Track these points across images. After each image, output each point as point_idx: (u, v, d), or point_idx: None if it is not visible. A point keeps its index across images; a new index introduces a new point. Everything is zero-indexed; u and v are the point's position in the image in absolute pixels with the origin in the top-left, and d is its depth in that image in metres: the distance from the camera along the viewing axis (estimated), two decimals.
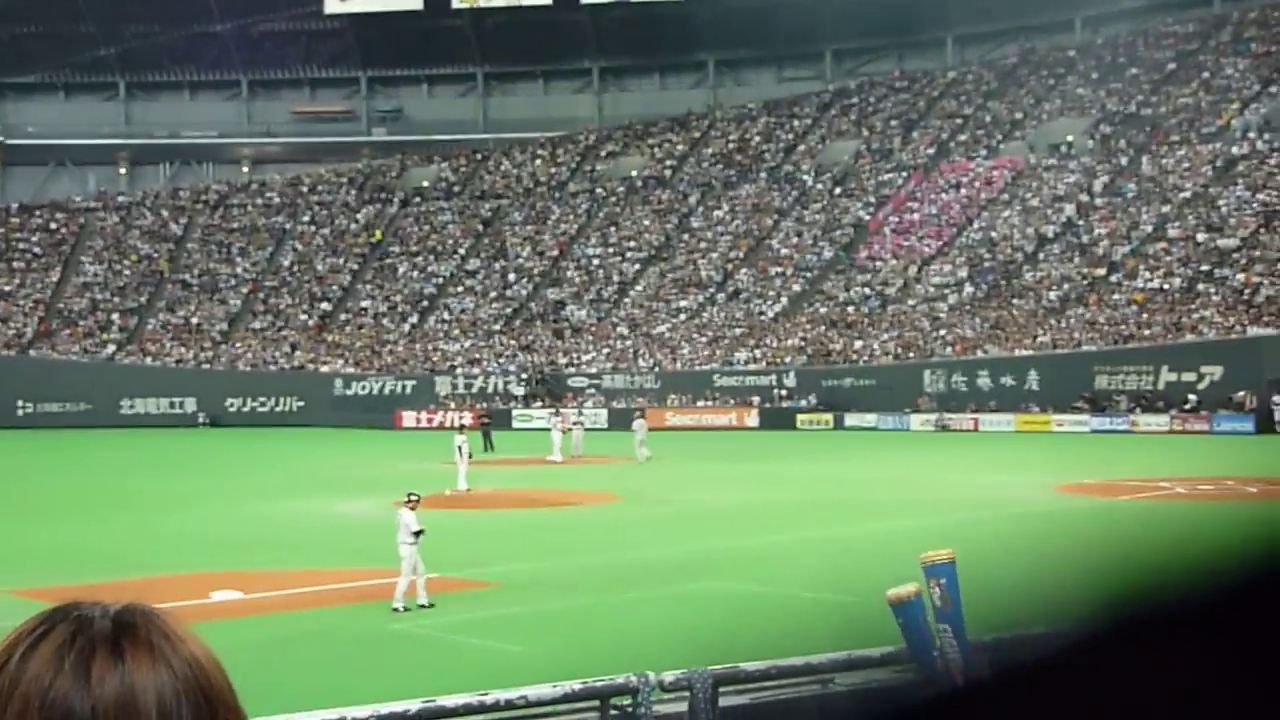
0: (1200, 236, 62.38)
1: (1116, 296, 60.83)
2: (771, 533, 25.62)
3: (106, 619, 1.33)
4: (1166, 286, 60.22)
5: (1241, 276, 58.91)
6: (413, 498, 18.63)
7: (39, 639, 1.30)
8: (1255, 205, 63.09)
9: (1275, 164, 65.47)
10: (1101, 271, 63.01)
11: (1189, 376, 53.77)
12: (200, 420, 68.62)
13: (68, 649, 1.28)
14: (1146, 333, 57.22)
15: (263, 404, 69.43)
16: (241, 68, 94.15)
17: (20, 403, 70.25)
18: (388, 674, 14.09)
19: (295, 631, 16.94)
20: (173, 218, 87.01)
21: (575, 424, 48.56)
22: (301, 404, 68.67)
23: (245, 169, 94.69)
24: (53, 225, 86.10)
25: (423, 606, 17.98)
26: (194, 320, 78.85)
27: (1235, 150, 67.17)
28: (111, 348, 77.01)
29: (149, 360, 75.25)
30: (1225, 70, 73.35)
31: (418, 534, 17.99)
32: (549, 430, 47.42)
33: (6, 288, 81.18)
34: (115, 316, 79.35)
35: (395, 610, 17.82)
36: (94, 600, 1.37)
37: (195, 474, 40.94)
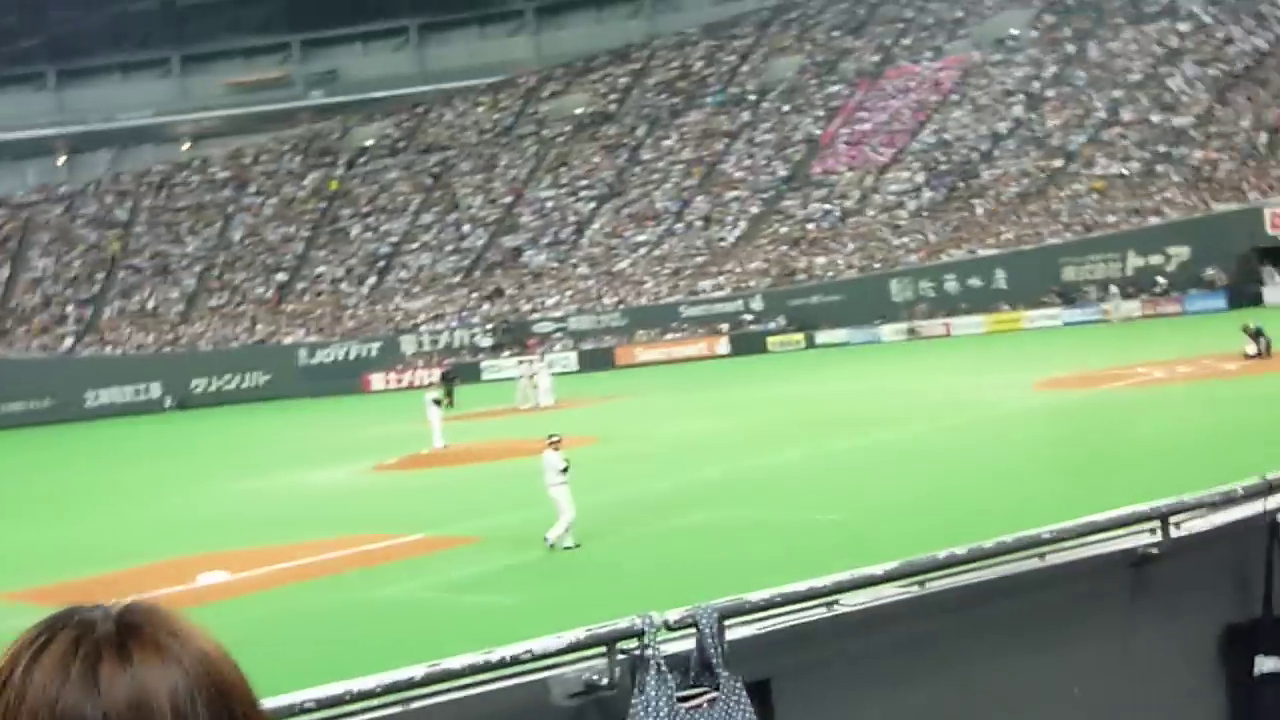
0: (1155, 118, 62.07)
1: (1076, 187, 60.51)
2: (755, 457, 25.23)
3: (109, 621, 1.28)
4: (1125, 172, 59.92)
5: (1200, 154, 58.65)
6: (554, 438, 18.60)
7: (40, 649, 1.26)
8: (1206, 80, 62.75)
9: (1223, 36, 65.09)
10: (1059, 163, 62.65)
11: (1156, 259, 53.58)
12: (167, 404, 67.68)
13: (72, 656, 1.25)
14: (1110, 219, 56.94)
15: (228, 382, 68.49)
16: (171, 43, 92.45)
17: None
18: (386, 641, 13.63)
19: (286, 607, 16.47)
20: (117, 203, 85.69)
21: (536, 372, 45.67)
22: (267, 377, 67.79)
23: (185, 146, 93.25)
24: None
25: (567, 548, 17.85)
26: (150, 304, 77.78)
27: (1181, 26, 66.73)
28: (70, 340, 75.94)
29: (109, 349, 74.24)
30: None
31: (564, 470, 18.10)
32: (518, 379, 46.90)
33: None
34: (70, 308, 78.22)
35: (549, 546, 17.83)
36: (92, 603, 1.31)
37: (167, 459, 40.27)
